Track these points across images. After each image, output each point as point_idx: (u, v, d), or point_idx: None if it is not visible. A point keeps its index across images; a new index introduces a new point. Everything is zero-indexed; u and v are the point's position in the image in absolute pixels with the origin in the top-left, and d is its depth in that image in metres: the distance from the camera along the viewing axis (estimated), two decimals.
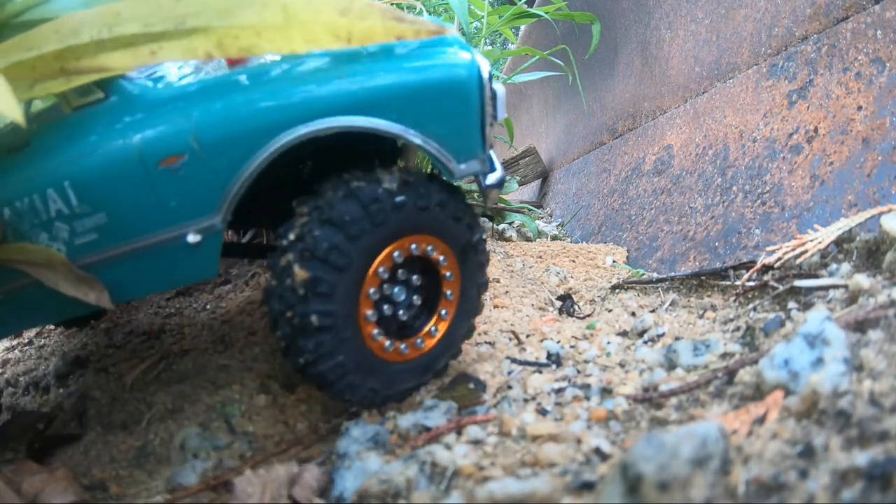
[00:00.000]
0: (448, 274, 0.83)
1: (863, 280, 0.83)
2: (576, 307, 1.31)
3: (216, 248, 0.76)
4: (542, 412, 0.80)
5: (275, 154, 0.72)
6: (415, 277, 0.83)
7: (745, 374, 0.72)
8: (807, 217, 1.42)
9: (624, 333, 1.13)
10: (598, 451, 0.66)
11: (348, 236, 0.73)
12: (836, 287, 0.91)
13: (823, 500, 0.46)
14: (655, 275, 1.65)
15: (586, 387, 0.85)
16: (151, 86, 0.75)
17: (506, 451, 0.70)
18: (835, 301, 0.87)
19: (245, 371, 1.00)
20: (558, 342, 1.08)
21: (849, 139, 1.41)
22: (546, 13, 2.44)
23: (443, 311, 0.85)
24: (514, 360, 0.99)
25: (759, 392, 0.67)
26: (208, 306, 1.28)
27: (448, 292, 0.84)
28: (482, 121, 0.79)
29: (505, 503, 0.55)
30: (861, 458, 0.48)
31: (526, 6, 2.46)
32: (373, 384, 0.81)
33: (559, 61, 2.55)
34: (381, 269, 0.77)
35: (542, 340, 1.09)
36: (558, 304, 1.30)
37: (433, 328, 0.85)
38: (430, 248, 0.80)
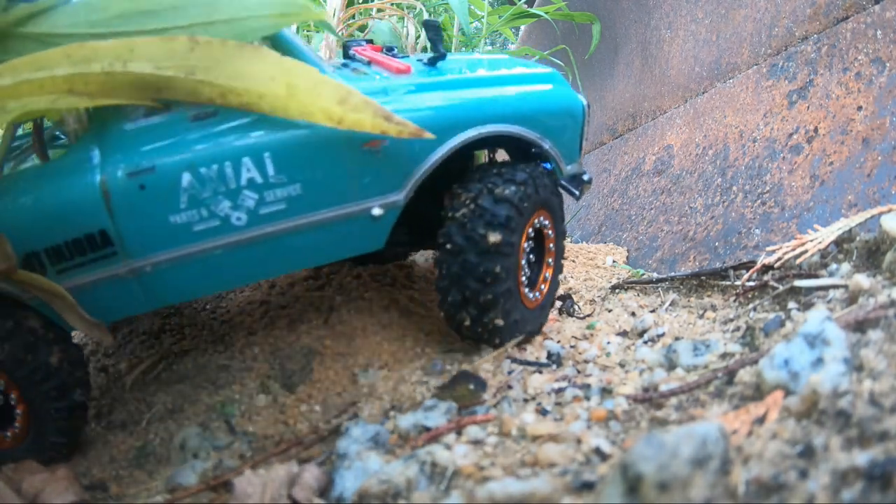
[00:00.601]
0: (550, 233, 1.06)
1: (863, 280, 0.83)
2: (576, 307, 1.31)
3: (391, 222, 0.90)
4: (542, 412, 0.80)
5: (455, 148, 0.90)
6: (530, 242, 1.01)
7: (745, 374, 0.72)
8: (807, 217, 1.42)
9: (624, 333, 1.13)
10: (598, 451, 0.66)
11: (518, 209, 0.92)
12: (836, 287, 0.91)
13: (823, 500, 0.46)
14: (655, 275, 1.65)
15: (586, 387, 0.85)
16: (395, 78, 0.91)
17: (506, 451, 0.70)
18: (835, 301, 0.87)
19: (245, 371, 1.00)
20: (558, 342, 1.08)
21: (849, 139, 1.41)
22: (546, 13, 2.44)
23: (549, 261, 1.08)
24: (514, 360, 0.99)
25: (759, 392, 0.67)
26: (208, 306, 1.28)
27: (551, 246, 1.06)
28: (582, 137, 1.07)
29: (505, 503, 0.55)
30: (861, 458, 0.48)
31: (526, 6, 2.46)
32: (522, 325, 1.01)
33: (559, 61, 2.55)
34: (530, 231, 0.98)
35: (542, 340, 1.09)
36: (558, 304, 1.31)
37: (546, 276, 1.07)
38: (543, 219, 1.02)
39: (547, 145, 0.99)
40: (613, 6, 2.67)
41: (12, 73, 0.59)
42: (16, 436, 0.84)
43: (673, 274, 1.47)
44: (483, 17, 2.30)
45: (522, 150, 1.04)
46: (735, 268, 1.30)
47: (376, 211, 0.87)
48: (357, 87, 0.76)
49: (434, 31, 1.02)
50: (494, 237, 0.89)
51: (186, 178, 0.78)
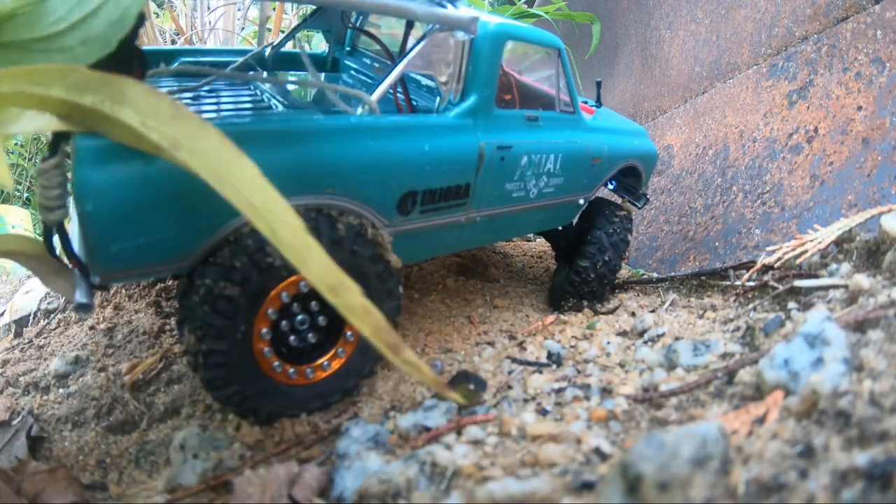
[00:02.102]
0: None
1: (863, 280, 0.83)
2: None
3: (581, 208, 1.33)
4: (542, 412, 0.80)
5: (620, 168, 1.37)
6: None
7: (745, 374, 0.72)
8: (807, 217, 1.42)
9: (624, 333, 1.13)
10: (598, 451, 0.66)
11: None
12: (836, 287, 0.91)
13: (823, 500, 0.46)
14: (655, 275, 1.65)
15: (586, 387, 0.85)
16: (588, 118, 1.28)
17: (506, 451, 0.70)
18: (835, 301, 0.87)
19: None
20: (558, 342, 1.08)
21: (849, 139, 1.41)
22: (546, 13, 2.44)
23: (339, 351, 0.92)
24: (514, 360, 0.99)
25: (759, 392, 0.67)
26: None
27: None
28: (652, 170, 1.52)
29: (505, 503, 0.55)
30: (861, 458, 0.48)
31: (526, 6, 2.46)
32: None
33: None
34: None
35: (542, 340, 1.09)
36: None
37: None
38: None
39: (644, 176, 1.47)
40: (613, 6, 2.67)
41: (12, 82, 0.58)
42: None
43: (673, 274, 1.47)
44: None
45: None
46: (735, 267, 1.30)
47: (581, 201, 1.30)
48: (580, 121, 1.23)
49: (598, 86, 1.57)
50: None
51: (524, 159, 1.07)
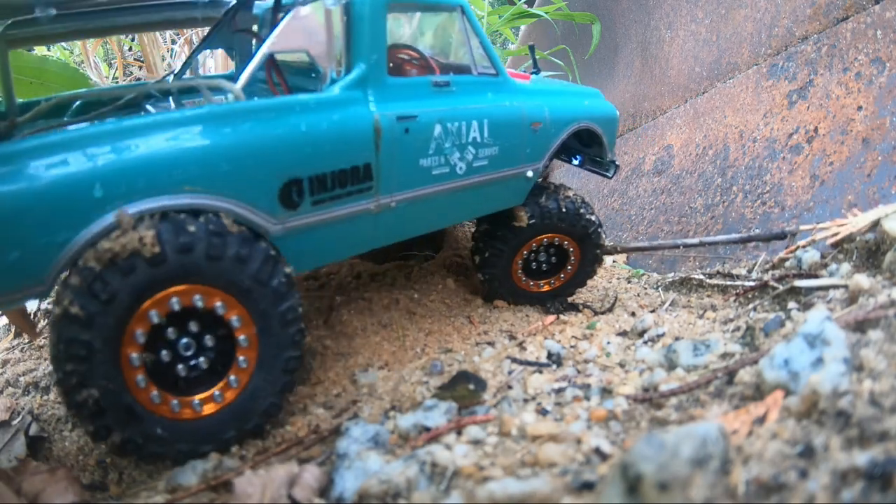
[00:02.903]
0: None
1: (863, 280, 0.83)
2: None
3: (532, 183, 1.18)
4: (542, 412, 0.80)
5: (569, 132, 1.22)
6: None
7: (745, 374, 0.72)
8: (807, 217, 1.42)
9: (624, 333, 1.13)
10: (598, 451, 0.66)
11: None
12: (836, 287, 0.91)
13: (823, 500, 0.46)
14: (655, 274, 1.65)
15: (586, 387, 0.85)
16: (523, 83, 1.17)
17: (506, 451, 0.70)
18: (835, 301, 0.87)
19: None
20: (558, 342, 1.08)
21: (849, 139, 1.41)
22: (546, 13, 2.44)
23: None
24: (514, 360, 0.99)
25: (759, 392, 0.67)
26: None
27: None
28: (615, 134, 1.37)
29: (505, 503, 0.55)
30: (861, 458, 0.48)
31: (526, 6, 2.46)
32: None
33: (559, 61, 2.55)
34: None
35: (542, 340, 1.09)
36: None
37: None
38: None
39: (605, 138, 1.31)
40: (613, 6, 2.67)
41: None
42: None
43: (683, 241, 1.46)
44: (483, 16, 2.30)
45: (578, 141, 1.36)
46: (766, 239, 1.31)
47: (529, 173, 1.16)
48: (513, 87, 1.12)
49: (531, 51, 1.48)
50: None
51: (437, 129, 0.96)
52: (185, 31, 2.81)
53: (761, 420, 0.60)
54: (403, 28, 1.11)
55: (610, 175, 1.36)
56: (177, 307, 0.72)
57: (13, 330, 1.37)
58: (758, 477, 0.50)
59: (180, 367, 0.76)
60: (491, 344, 1.09)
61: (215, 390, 0.78)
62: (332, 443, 0.82)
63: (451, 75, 1.02)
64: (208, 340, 0.77)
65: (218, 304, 0.75)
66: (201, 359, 0.77)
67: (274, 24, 1.03)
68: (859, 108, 1.42)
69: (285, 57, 1.09)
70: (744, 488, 0.49)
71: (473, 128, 1.02)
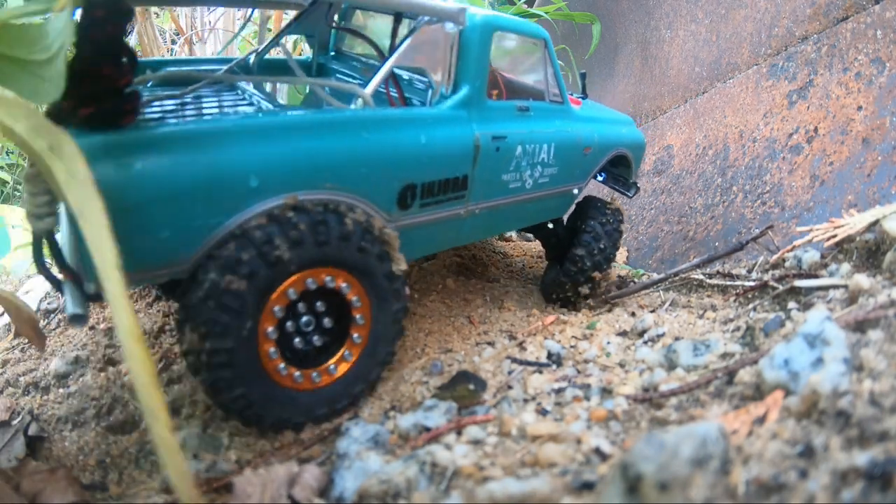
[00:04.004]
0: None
1: (863, 280, 0.83)
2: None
3: (575, 199, 1.35)
4: (542, 412, 0.80)
5: (610, 157, 1.38)
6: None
7: (745, 374, 0.72)
8: (807, 217, 1.42)
9: (624, 333, 1.13)
10: (598, 451, 0.66)
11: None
12: (836, 287, 0.91)
13: (823, 500, 0.46)
14: (655, 274, 1.65)
15: (586, 387, 0.85)
16: (576, 109, 1.30)
17: (506, 451, 0.70)
18: (835, 301, 0.87)
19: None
20: (558, 342, 1.08)
21: (849, 139, 1.41)
22: (546, 13, 2.44)
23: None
24: (514, 360, 0.99)
25: (759, 392, 0.67)
26: None
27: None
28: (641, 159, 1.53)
29: (505, 503, 0.55)
30: (861, 458, 0.48)
31: (526, 6, 2.46)
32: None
33: (559, 61, 2.54)
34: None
35: (542, 340, 1.09)
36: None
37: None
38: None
39: (633, 164, 1.47)
40: (613, 6, 2.67)
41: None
42: None
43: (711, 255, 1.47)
44: None
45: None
46: (756, 238, 1.34)
47: (576, 191, 1.31)
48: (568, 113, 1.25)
49: (582, 78, 1.63)
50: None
51: (519, 149, 1.08)
52: (184, 31, 2.81)
53: (761, 420, 0.60)
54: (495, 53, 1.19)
55: (630, 195, 1.49)
56: (312, 286, 0.80)
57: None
58: (758, 477, 0.50)
59: (301, 341, 0.84)
60: (491, 344, 1.09)
61: (331, 363, 0.87)
62: (332, 443, 0.82)
63: (531, 101, 1.14)
64: (327, 318, 0.85)
65: (343, 284, 0.83)
66: (319, 335, 0.85)
67: (393, 37, 1.18)
68: (859, 108, 1.42)
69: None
70: (744, 488, 0.49)
71: (543, 150, 1.15)
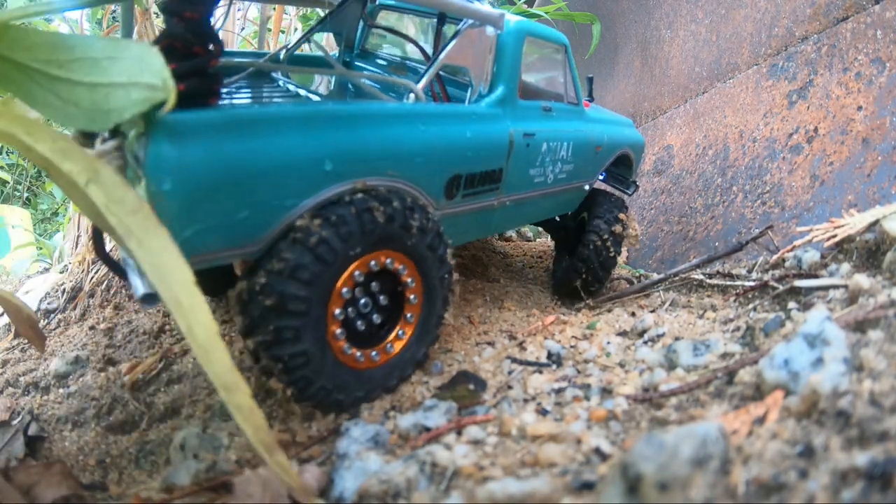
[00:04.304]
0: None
1: (863, 280, 0.83)
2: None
3: (585, 194, 1.43)
4: (542, 412, 0.80)
5: (616, 156, 1.48)
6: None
7: (745, 374, 0.72)
8: (807, 217, 1.42)
9: (624, 333, 1.13)
10: (598, 451, 0.66)
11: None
12: (836, 287, 0.91)
13: (823, 500, 0.46)
14: (655, 274, 1.65)
15: (586, 387, 0.85)
16: (588, 110, 1.37)
17: (506, 451, 0.70)
18: (835, 301, 0.87)
19: (245, 371, 1.00)
20: (558, 342, 1.08)
21: (849, 139, 1.41)
22: (546, 13, 2.44)
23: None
24: (514, 360, 0.99)
25: (759, 392, 0.67)
26: None
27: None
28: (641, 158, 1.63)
29: (505, 503, 0.55)
30: (861, 458, 0.48)
31: (526, 6, 2.46)
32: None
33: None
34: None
35: (542, 340, 1.09)
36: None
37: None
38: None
39: (634, 164, 1.57)
40: (613, 6, 2.67)
41: (8, 121, 0.60)
42: None
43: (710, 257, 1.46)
44: None
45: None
46: (755, 238, 1.35)
47: (586, 187, 1.40)
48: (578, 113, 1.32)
49: (590, 82, 1.64)
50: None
51: (544, 146, 1.16)
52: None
53: (761, 420, 0.60)
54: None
55: (630, 192, 1.56)
56: (375, 268, 0.83)
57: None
58: (758, 477, 0.50)
59: (361, 322, 0.86)
60: (491, 344, 1.09)
61: (387, 343, 0.90)
62: (332, 443, 0.82)
63: (552, 102, 1.22)
64: (383, 299, 0.88)
65: (400, 266, 0.87)
66: (377, 315, 0.88)
67: (437, 36, 1.24)
68: (859, 108, 1.42)
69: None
70: (744, 488, 0.49)
71: (563, 147, 1.23)
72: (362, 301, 0.85)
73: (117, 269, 0.77)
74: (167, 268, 0.57)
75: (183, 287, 0.57)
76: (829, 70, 1.55)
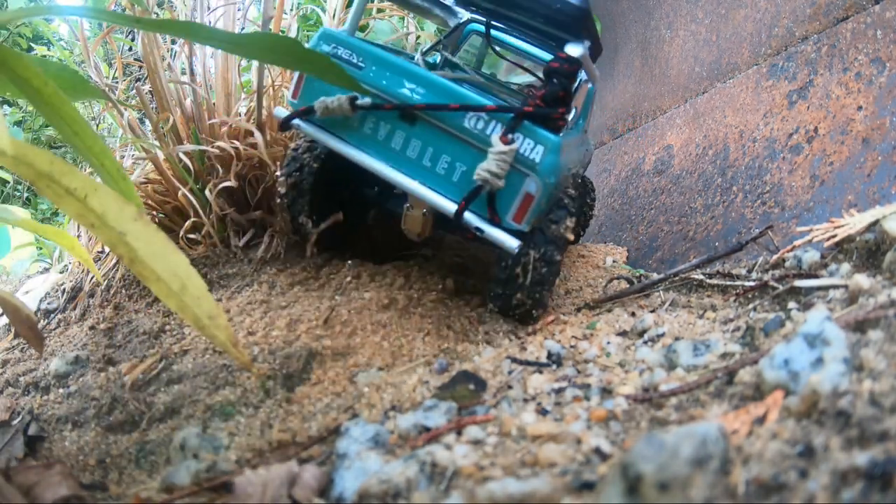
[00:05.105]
0: None
1: (863, 280, 0.83)
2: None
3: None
4: (542, 412, 0.80)
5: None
6: None
7: (745, 374, 0.72)
8: (807, 217, 1.42)
9: (624, 333, 1.13)
10: (598, 451, 0.66)
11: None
12: (836, 287, 0.91)
13: (823, 500, 0.46)
14: (655, 274, 1.65)
15: (586, 387, 0.85)
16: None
17: (506, 451, 0.70)
18: (835, 301, 0.87)
19: (245, 371, 1.00)
20: (558, 342, 1.08)
21: (849, 139, 1.41)
22: None
23: None
24: (514, 360, 0.99)
25: (759, 392, 0.67)
26: None
27: None
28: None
29: (505, 503, 0.55)
30: (861, 458, 0.48)
31: None
32: None
33: None
34: None
35: (542, 340, 1.09)
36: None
37: None
38: None
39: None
40: (613, 6, 2.67)
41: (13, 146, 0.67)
42: None
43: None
44: None
45: None
46: (755, 238, 1.38)
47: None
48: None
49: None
50: None
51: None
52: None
53: (761, 420, 0.60)
54: None
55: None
56: None
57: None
58: (758, 477, 0.50)
59: None
60: (491, 344, 1.09)
61: None
62: (332, 443, 0.82)
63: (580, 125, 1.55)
64: None
65: None
66: None
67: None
68: (859, 108, 1.42)
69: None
70: (744, 488, 0.49)
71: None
72: None
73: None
74: (166, 264, 0.72)
75: (178, 265, 0.72)
76: (829, 70, 1.55)
